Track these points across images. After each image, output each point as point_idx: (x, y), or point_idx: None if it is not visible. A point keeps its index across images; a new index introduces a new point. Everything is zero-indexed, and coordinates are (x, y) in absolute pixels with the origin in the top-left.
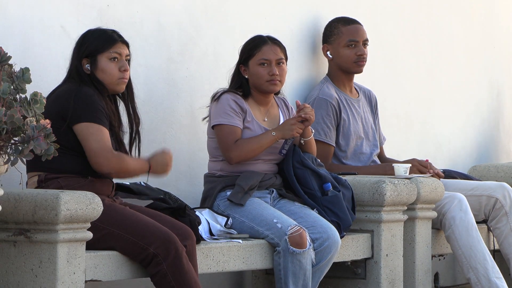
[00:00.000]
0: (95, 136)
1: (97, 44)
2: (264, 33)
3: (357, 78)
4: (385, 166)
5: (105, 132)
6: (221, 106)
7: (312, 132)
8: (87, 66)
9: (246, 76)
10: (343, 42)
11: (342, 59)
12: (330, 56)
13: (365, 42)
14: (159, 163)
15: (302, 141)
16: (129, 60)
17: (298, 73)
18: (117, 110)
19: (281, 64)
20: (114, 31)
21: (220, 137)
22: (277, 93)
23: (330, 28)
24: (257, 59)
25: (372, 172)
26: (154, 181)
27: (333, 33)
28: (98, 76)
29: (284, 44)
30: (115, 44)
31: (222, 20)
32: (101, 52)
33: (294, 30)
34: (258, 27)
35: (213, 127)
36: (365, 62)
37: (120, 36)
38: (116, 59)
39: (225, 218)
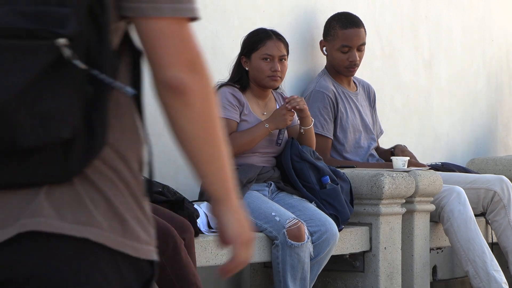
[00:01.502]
0: None
1: None
2: (263, 26)
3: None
4: (386, 165)
5: None
6: (218, 99)
7: (312, 121)
8: None
9: (247, 68)
10: (337, 45)
11: (334, 61)
12: (326, 53)
13: (360, 48)
14: None
15: (302, 131)
16: None
17: (296, 66)
18: None
19: (283, 60)
20: None
21: None
22: (275, 88)
23: (329, 26)
24: (261, 53)
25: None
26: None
27: (330, 33)
28: None
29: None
30: None
31: (220, 13)
32: None
33: (292, 23)
34: (257, 21)
35: None
36: (357, 67)
37: None
38: None
39: None
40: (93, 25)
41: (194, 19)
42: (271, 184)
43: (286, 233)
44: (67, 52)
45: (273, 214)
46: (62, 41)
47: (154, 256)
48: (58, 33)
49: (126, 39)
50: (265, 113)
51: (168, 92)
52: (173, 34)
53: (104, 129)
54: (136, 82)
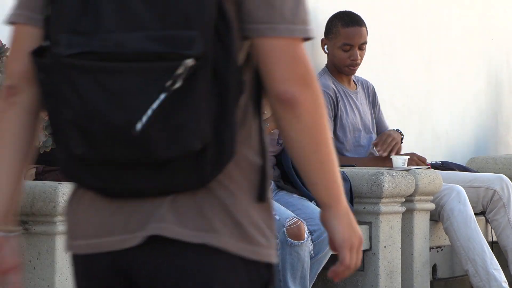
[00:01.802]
0: None
1: None
2: None
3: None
4: (384, 158)
5: None
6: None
7: None
8: None
9: None
10: (338, 43)
11: (335, 59)
12: (327, 51)
13: (361, 46)
14: None
15: None
16: None
17: None
18: None
19: None
20: None
21: None
22: None
23: (330, 25)
24: None
25: (370, 164)
26: None
27: (331, 31)
28: None
29: None
30: None
31: None
32: None
33: None
34: None
35: None
36: (358, 66)
37: None
38: None
39: None
40: (220, 44)
41: (307, 38)
42: (271, 183)
43: (286, 231)
44: (192, 71)
45: (273, 213)
46: (189, 61)
47: (273, 259)
48: (185, 54)
49: (249, 57)
50: (265, 111)
51: (280, 105)
52: (286, 52)
53: (232, 140)
54: (257, 96)
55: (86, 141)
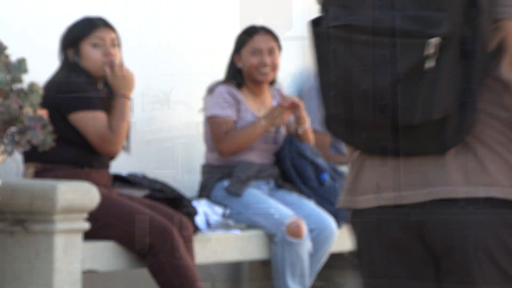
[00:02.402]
0: (92, 125)
1: (78, 31)
2: (263, 24)
3: None
4: None
5: (101, 117)
6: (214, 98)
7: (308, 121)
8: (74, 57)
9: (240, 64)
10: None
11: None
12: None
13: None
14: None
15: (299, 131)
16: (118, 45)
17: (295, 64)
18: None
19: (273, 54)
20: (98, 18)
21: (212, 128)
22: (272, 83)
23: None
24: (249, 47)
25: None
26: (151, 172)
27: None
28: (83, 65)
29: (280, 34)
30: (96, 28)
31: (219, 10)
32: (83, 38)
33: (290, 20)
34: (255, 17)
35: (207, 118)
36: None
37: (102, 21)
38: (99, 45)
39: (222, 209)
40: (469, 26)
41: None
42: (270, 181)
43: (285, 230)
44: (439, 49)
45: (272, 211)
46: (433, 40)
47: None
48: (431, 33)
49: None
50: (262, 109)
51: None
52: None
53: (474, 112)
54: None
55: (341, 103)
